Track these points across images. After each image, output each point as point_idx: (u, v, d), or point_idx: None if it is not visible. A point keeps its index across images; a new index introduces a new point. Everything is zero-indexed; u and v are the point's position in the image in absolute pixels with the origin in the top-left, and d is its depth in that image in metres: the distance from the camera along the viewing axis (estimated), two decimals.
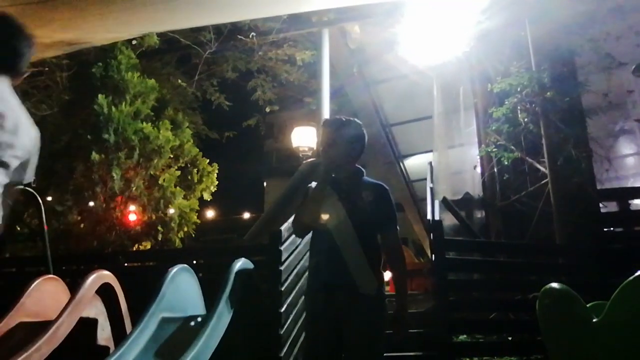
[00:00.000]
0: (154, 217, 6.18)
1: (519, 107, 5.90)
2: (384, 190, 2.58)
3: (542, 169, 5.86)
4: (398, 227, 2.59)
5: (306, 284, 2.68)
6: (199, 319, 2.79)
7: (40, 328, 2.62)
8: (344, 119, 2.62)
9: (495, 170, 7.01)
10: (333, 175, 2.56)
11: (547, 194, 5.47)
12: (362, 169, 2.63)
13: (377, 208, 2.50)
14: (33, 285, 3.04)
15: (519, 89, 5.77)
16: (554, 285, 2.25)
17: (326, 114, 6.75)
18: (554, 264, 4.95)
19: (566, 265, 4.85)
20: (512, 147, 6.30)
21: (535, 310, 2.40)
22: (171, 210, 6.36)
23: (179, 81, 8.87)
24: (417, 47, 6.56)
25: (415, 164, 11.80)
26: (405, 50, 6.74)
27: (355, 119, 2.65)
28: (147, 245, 6.16)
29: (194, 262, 4.79)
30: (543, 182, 5.75)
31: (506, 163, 6.32)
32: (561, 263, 4.97)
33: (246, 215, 16.31)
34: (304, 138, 8.63)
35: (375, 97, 9.84)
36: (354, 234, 2.43)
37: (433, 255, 4.36)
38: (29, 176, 1.73)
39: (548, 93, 5.36)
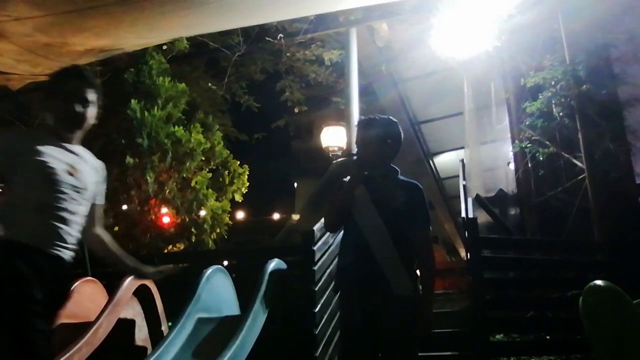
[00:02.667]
0: (187, 219, 6.25)
1: (553, 102, 5.78)
2: (417, 189, 2.56)
3: (578, 164, 5.73)
4: (431, 227, 2.57)
5: (338, 282, 2.65)
6: (235, 319, 2.81)
7: (80, 329, 2.68)
8: (376, 118, 2.61)
9: (530, 166, 6.87)
10: (366, 173, 2.55)
11: (584, 190, 5.35)
12: (397, 168, 2.61)
13: (410, 207, 2.48)
14: (73, 287, 3.11)
15: (553, 83, 5.66)
16: (599, 282, 2.19)
17: (355, 113, 6.71)
18: (593, 261, 4.82)
19: (606, 262, 4.72)
20: (547, 143, 6.17)
21: (574, 308, 2.34)
22: (203, 212, 6.43)
23: (209, 84, 8.96)
24: (446, 43, 6.46)
25: (445, 161, 11.68)
26: (434, 46, 6.66)
27: (390, 117, 2.64)
28: (180, 246, 6.24)
29: (225, 262, 4.83)
30: (580, 177, 5.63)
31: (541, 159, 6.19)
32: (600, 260, 4.84)
33: (277, 216, 16.40)
34: (333, 138, 8.63)
35: (403, 95, 9.77)
36: (387, 233, 2.41)
37: (468, 254, 4.29)
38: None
39: (583, 86, 5.24)
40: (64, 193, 1.98)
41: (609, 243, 4.73)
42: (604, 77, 5.32)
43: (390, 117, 2.64)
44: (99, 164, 2.23)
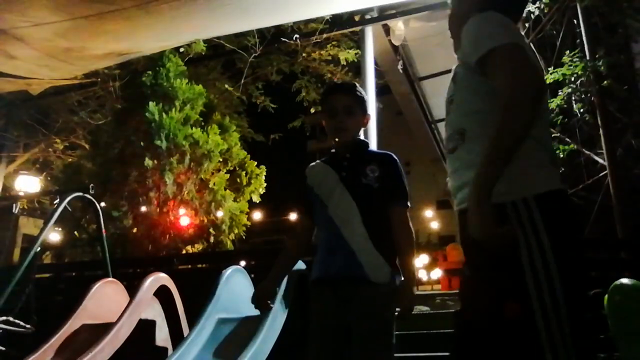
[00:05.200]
0: (205, 220, 6.29)
1: (573, 98, 5.70)
2: (391, 161, 2.20)
3: (600, 160, 5.64)
4: (409, 203, 2.20)
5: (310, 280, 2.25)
6: (255, 320, 2.80)
7: (102, 330, 2.70)
8: (347, 83, 2.36)
9: None
10: (333, 151, 2.24)
11: (606, 187, 5.26)
12: (367, 141, 2.31)
13: (384, 181, 2.12)
14: (94, 288, 3.14)
15: (572, 79, 5.58)
16: (625, 280, 2.15)
17: (372, 112, 6.69)
18: (615, 259, 4.73)
19: (629, 260, 4.63)
20: (567, 139, 6.09)
21: (596, 307, 2.30)
22: (221, 213, 6.46)
23: (225, 86, 9.00)
24: None
25: None
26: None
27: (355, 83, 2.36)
28: (199, 247, 6.28)
29: (243, 263, 4.84)
30: (602, 174, 5.54)
31: (561, 156, 6.11)
32: (623, 258, 4.76)
33: (294, 216, 16.43)
34: None
35: (420, 93, 9.69)
36: (359, 215, 2.08)
37: None
38: None
39: (604, 82, 5.16)
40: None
41: (633, 240, 4.64)
42: (625, 72, 5.24)
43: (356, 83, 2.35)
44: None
